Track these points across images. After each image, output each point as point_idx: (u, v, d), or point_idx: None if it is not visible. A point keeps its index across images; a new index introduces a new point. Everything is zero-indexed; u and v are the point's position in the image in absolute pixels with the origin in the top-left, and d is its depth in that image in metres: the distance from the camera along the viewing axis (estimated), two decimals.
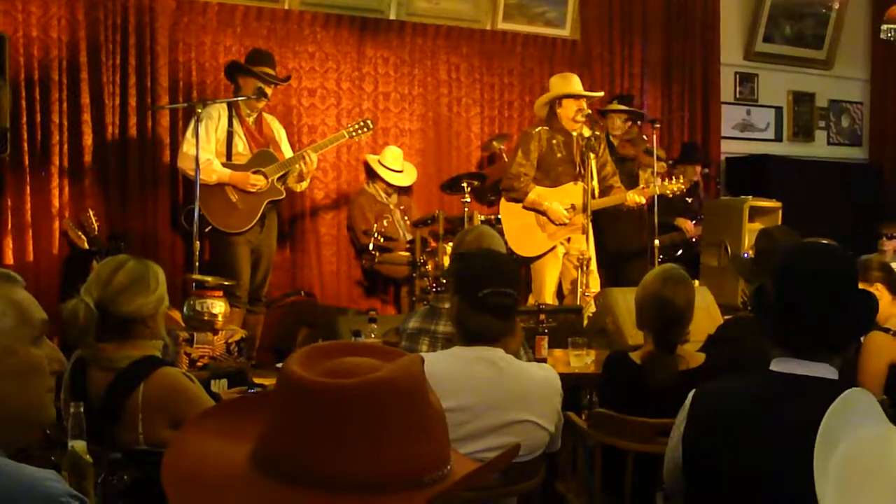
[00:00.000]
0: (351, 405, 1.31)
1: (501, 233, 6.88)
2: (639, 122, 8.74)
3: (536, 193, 7.17)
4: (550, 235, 7.19)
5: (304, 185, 7.24)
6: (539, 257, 7.24)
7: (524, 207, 7.20)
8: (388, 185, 7.92)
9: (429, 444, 1.37)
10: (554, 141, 7.19)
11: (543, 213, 7.17)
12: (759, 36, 10.34)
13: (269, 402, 1.40)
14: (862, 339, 4.39)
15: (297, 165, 6.90)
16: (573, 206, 7.15)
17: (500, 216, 7.31)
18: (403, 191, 8.17)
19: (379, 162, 7.93)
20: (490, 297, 3.13)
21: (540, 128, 7.24)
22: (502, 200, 7.34)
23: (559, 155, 7.18)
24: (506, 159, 8.22)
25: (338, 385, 1.32)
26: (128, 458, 2.61)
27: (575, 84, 7.29)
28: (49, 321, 1.95)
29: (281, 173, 6.85)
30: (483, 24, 8.82)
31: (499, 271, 3.26)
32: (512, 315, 3.23)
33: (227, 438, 1.46)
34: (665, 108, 9.69)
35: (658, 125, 7.92)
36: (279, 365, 3.69)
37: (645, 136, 8.63)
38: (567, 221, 7.15)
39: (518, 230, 7.19)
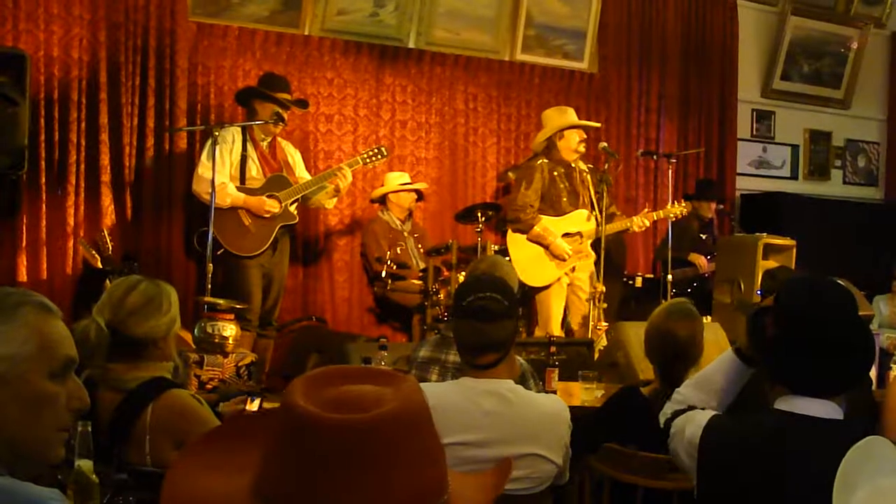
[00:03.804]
0: (364, 441, 1.30)
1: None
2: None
3: (542, 227, 7.30)
4: (558, 265, 7.27)
5: (334, 201, 7.27)
6: (546, 287, 7.29)
7: (529, 239, 7.27)
8: (410, 192, 7.93)
9: (434, 469, 1.38)
10: (555, 173, 7.34)
11: (546, 248, 7.24)
12: (776, 74, 10.35)
13: (268, 430, 1.38)
14: (871, 373, 4.35)
15: (331, 182, 6.96)
16: (580, 234, 7.25)
17: (507, 247, 7.37)
18: (417, 210, 8.19)
19: (389, 192, 7.92)
20: (473, 302, 3.12)
21: (541, 160, 7.38)
22: (509, 231, 7.45)
23: (562, 186, 7.31)
24: None
25: (349, 421, 1.31)
26: (134, 478, 2.60)
27: (573, 115, 7.44)
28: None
29: (295, 198, 6.87)
30: (501, 55, 8.84)
31: (484, 282, 3.26)
32: (499, 320, 3.13)
33: (225, 469, 1.44)
34: (681, 143, 9.69)
35: (674, 160, 7.97)
36: None
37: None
38: (568, 258, 7.23)
39: (526, 260, 7.29)
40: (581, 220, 7.34)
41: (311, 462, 1.30)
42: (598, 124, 7.84)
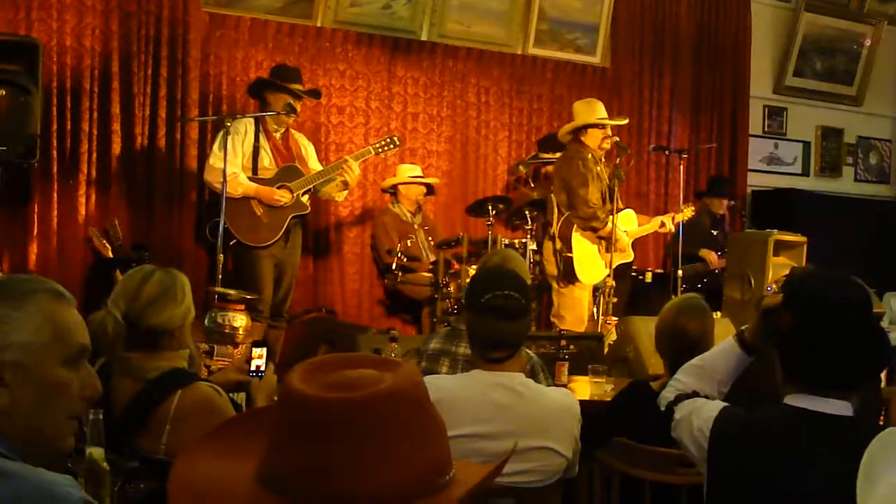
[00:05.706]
0: (358, 419, 1.32)
1: (525, 256, 6.95)
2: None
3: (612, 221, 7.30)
4: (607, 263, 7.32)
5: (345, 194, 7.26)
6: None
7: (599, 237, 7.31)
8: (420, 185, 7.94)
9: (433, 450, 1.39)
10: (598, 168, 7.29)
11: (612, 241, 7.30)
12: (789, 70, 10.33)
13: (271, 419, 1.41)
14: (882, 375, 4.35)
15: (339, 174, 6.94)
16: (626, 232, 7.33)
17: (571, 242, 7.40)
18: (427, 203, 8.18)
19: (399, 183, 7.93)
20: (492, 299, 3.12)
21: (588, 153, 7.32)
22: (574, 229, 7.32)
23: (605, 181, 7.32)
24: (531, 184, 8.27)
25: (343, 399, 1.32)
26: (145, 467, 2.60)
27: (600, 111, 7.39)
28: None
29: (306, 188, 6.87)
30: (514, 49, 8.84)
31: (501, 278, 3.27)
32: (518, 318, 3.16)
33: (231, 457, 1.46)
34: (693, 138, 9.67)
35: (685, 156, 7.98)
36: None
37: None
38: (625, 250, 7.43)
39: (585, 258, 7.33)
40: (627, 218, 7.40)
41: (307, 442, 1.32)
42: (626, 120, 7.86)
